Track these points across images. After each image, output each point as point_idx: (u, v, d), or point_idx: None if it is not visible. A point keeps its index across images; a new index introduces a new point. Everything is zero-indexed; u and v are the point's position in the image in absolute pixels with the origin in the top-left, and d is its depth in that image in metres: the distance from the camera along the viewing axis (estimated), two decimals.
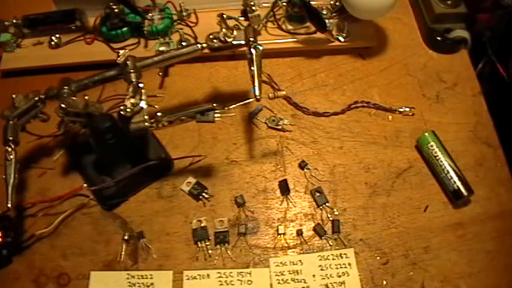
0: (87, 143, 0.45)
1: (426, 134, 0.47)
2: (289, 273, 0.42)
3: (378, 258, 0.42)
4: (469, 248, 0.43)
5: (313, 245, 0.43)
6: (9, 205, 0.39)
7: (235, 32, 0.43)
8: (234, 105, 0.48)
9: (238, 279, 0.42)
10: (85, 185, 0.45)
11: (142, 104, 0.40)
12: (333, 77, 0.54)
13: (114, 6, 0.54)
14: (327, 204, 0.45)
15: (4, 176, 0.40)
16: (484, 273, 0.42)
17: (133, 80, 0.42)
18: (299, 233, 0.44)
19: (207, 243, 0.44)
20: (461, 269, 0.42)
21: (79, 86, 0.42)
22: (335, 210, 0.45)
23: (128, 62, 0.42)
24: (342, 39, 0.54)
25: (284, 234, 0.44)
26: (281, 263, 0.42)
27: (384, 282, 0.41)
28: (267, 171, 0.48)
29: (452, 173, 0.45)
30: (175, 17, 0.56)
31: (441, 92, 0.53)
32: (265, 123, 0.50)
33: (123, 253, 0.43)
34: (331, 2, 0.56)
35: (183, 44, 0.54)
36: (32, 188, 0.47)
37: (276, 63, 0.55)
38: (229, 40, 0.43)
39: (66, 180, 0.48)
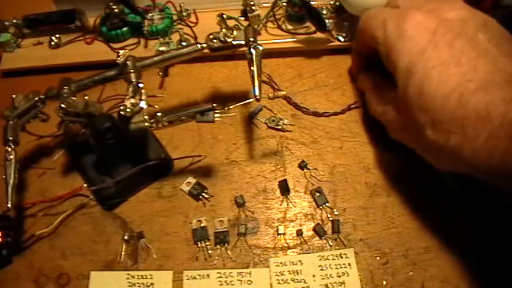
0: (87, 143, 0.45)
1: None
2: (289, 273, 0.42)
3: (378, 258, 0.43)
4: None
5: (313, 245, 0.44)
6: (9, 205, 0.39)
7: (235, 32, 0.43)
8: (234, 105, 0.48)
9: (238, 279, 0.42)
10: (85, 185, 0.45)
11: (142, 104, 0.40)
12: (333, 77, 0.54)
13: (114, 6, 0.54)
14: (327, 204, 0.45)
15: (4, 176, 0.40)
16: None
17: (133, 80, 0.42)
18: (299, 233, 0.44)
19: (207, 243, 0.44)
20: (461, 269, 0.42)
21: (79, 86, 0.43)
22: (335, 210, 0.45)
23: (127, 62, 0.42)
24: (342, 39, 0.54)
25: (284, 234, 0.44)
26: (281, 263, 0.42)
27: (384, 282, 0.41)
28: (267, 171, 0.48)
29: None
30: (175, 17, 0.56)
31: None
32: (265, 123, 0.50)
33: (123, 253, 0.43)
34: (331, 2, 0.56)
35: (183, 44, 0.54)
36: (32, 188, 0.47)
37: (276, 63, 0.55)
38: (229, 40, 0.43)
39: (66, 180, 0.48)
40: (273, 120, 0.50)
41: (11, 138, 0.41)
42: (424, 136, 0.37)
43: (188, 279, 0.42)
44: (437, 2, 0.40)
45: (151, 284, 0.42)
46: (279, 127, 0.50)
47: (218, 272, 0.42)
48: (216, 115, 0.40)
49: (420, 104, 0.37)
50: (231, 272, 0.42)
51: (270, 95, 0.51)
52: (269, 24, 0.56)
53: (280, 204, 0.46)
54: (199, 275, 0.42)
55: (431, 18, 0.38)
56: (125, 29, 0.55)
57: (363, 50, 0.48)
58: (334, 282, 0.41)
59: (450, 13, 0.38)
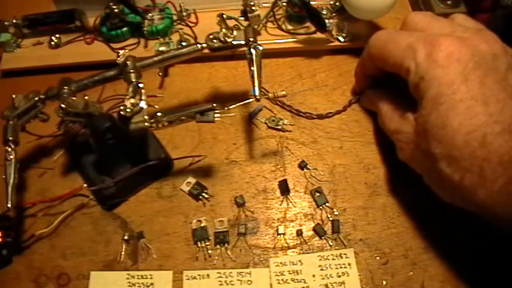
0: (87, 143, 0.45)
1: None
2: (289, 273, 0.42)
3: (377, 258, 0.43)
4: None
5: (313, 245, 0.44)
6: (9, 205, 0.39)
7: (235, 32, 0.43)
8: (234, 105, 0.48)
9: (238, 279, 0.42)
10: (85, 185, 0.45)
11: (142, 104, 0.40)
12: (333, 77, 0.54)
13: (114, 6, 0.54)
14: (327, 204, 0.45)
15: (4, 176, 0.40)
16: None
17: (133, 80, 0.42)
18: (299, 233, 0.44)
19: (207, 243, 0.44)
20: (461, 269, 0.42)
21: (79, 86, 0.43)
22: (335, 210, 0.45)
23: (127, 62, 0.42)
24: (342, 39, 0.54)
25: (284, 234, 0.44)
26: (281, 263, 0.43)
27: (384, 282, 0.41)
28: (267, 171, 0.48)
29: None
30: (175, 17, 0.56)
31: None
32: (265, 123, 0.50)
33: (123, 253, 0.43)
34: (331, 2, 0.56)
35: (183, 44, 0.54)
36: (32, 188, 0.47)
37: (276, 63, 0.55)
38: (229, 40, 0.43)
39: (66, 180, 0.48)
40: (273, 120, 0.50)
41: (11, 138, 0.41)
42: (436, 167, 0.36)
43: (188, 279, 0.42)
44: (468, 31, 0.38)
45: (151, 284, 0.42)
46: (279, 127, 0.50)
47: (218, 272, 0.42)
48: (216, 115, 0.40)
49: (441, 136, 0.35)
50: (231, 272, 0.42)
51: (270, 95, 0.51)
52: (269, 25, 0.56)
53: (280, 204, 0.46)
54: (199, 275, 0.42)
55: (464, 48, 0.36)
56: (125, 29, 0.55)
57: (372, 72, 0.46)
58: (334, 282, 0.41)
59: (483, 46, 0.37)
